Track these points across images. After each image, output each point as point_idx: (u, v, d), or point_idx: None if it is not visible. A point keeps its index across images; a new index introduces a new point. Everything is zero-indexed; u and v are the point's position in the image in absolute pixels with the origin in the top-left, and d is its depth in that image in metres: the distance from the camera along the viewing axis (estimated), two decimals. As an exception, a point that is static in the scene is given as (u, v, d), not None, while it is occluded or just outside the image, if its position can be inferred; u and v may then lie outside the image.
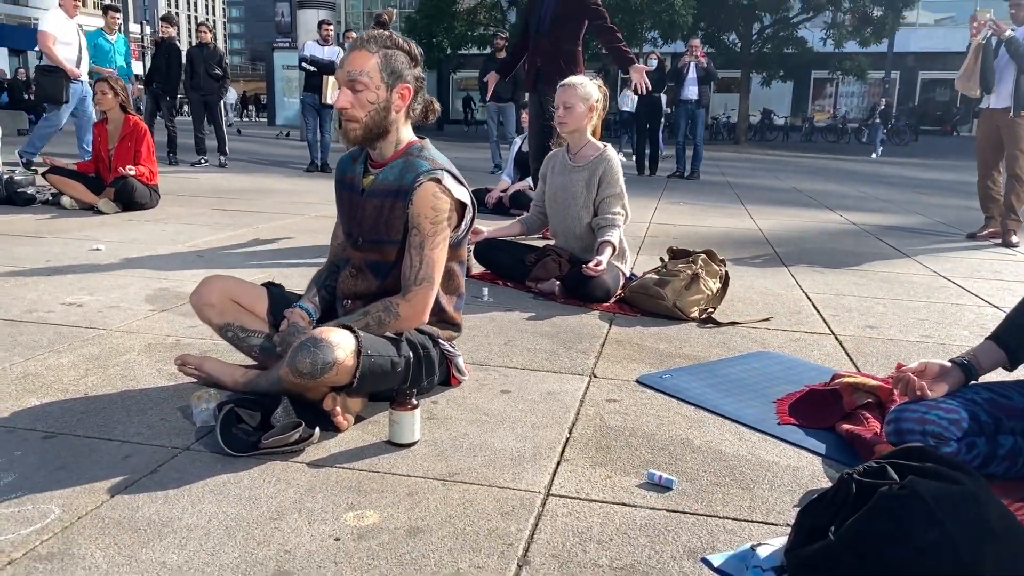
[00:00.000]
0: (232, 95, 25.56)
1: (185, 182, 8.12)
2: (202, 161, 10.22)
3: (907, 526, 1.24)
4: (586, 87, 3.62)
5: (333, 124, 10.17)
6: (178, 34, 10.49)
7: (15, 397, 2.14)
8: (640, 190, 8.77)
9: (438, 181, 2.12)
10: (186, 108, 18.41)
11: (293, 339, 2.00)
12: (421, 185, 2.10)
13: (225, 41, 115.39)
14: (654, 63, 11.91)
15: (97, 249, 4.30)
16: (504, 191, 6.58)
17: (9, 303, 3.13)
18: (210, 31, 10.60)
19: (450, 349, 2.26)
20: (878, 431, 1.97)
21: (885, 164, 17.42)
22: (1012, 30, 5.55)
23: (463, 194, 2.19)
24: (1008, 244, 5.71)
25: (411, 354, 2.07)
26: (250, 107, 42.28)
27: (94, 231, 4.91)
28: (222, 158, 10.27)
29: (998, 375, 1.98)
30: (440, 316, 2.28)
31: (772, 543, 1.46)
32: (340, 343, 1.87)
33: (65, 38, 8.12)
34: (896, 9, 23.94)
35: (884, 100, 22.73)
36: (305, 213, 6.12)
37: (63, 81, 7.96)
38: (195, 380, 2.22)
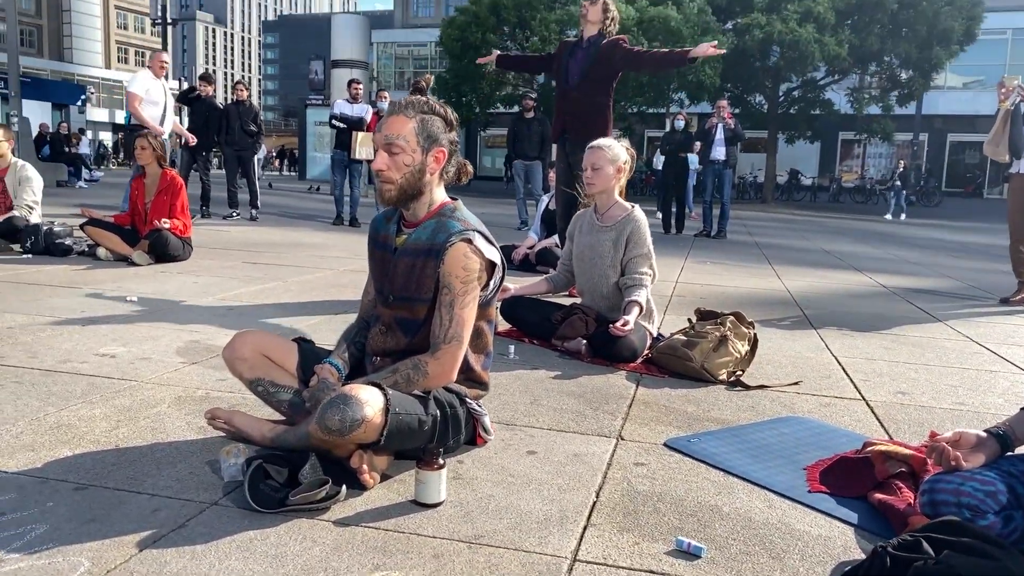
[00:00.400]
0: (263, 151, 26.37)
1: (217, 235, 8.28)
2: (234, 214, 10.42)
3: (944, 603, 1.22)
4: (614, 149, 3.67)
5: (362, 179, 10.36)
6: (215, 92, 10.80)
7: (48, 447, 2.17)
8: (667, 249, 8.78)
9: (469, 241, 2.15)
10: (215, 161, 18.83)
11: (322, 395, 2.02)
12: (453, 245, 2.14)
13: (259, 97, 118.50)
14: (681, 123, 12.08)
15: (130, 300, 4.38)
16: (531, 248, 6.63)
17: (44, 353, 3.18)
18: (246, 88, 10.92)
19: (477, 408, 2.26)
20: (911, 501, 1.93)
21: (912, 226, 17.35)
22: (1040, 96, 5.56)
23: (493, 254, 2.22)
24: (1041, 309, 5.63)
25: (438, 412, 2.07)
26: (286, 160, 43.24)
27: (128, 282, 5.01)
28: (253, 212, 10.47)
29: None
30: (468, 374, 2.29)
31: (804, 616, 1.43)
32: (369, 400, 1.89)
33: (152, 97, 8.53)
34: (925, 73, 24.00)
35: (903, 163, 22.52)
36: (334, 267, 6.20)
37: None
38: (224, 434, 2.24)
